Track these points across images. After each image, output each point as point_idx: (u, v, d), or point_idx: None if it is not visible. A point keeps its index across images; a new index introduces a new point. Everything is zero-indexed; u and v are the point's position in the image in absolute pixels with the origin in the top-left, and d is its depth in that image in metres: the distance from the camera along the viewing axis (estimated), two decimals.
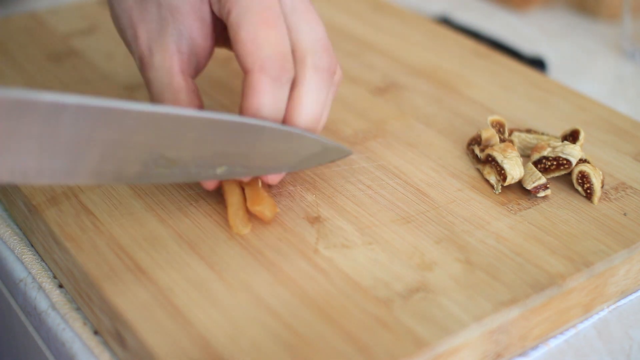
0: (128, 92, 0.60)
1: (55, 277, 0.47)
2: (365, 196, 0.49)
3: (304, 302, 0.41)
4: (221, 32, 0.48)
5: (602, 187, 0.49)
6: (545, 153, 0.50)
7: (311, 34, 0.45)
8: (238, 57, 0.43)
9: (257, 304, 0.41)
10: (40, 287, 0.47)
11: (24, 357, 0.53)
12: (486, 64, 0.64)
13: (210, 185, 0.46)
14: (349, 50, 0.66)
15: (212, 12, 0.46)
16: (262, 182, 0.47)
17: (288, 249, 0.44)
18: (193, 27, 0.45)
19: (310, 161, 0.46)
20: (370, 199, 0.48)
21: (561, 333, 0.45)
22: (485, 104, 0.59)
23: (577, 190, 0.49)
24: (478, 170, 0.51)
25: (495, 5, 0.85)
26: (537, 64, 0.70)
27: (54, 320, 0.45)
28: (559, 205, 0.48)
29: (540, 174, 0.48)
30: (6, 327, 0.55)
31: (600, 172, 0.49)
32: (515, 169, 0.48)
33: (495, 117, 0.53)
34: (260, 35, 0.43)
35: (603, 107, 0.59)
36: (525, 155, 0.52)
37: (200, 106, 0.45)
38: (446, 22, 0.77)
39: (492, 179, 0.49)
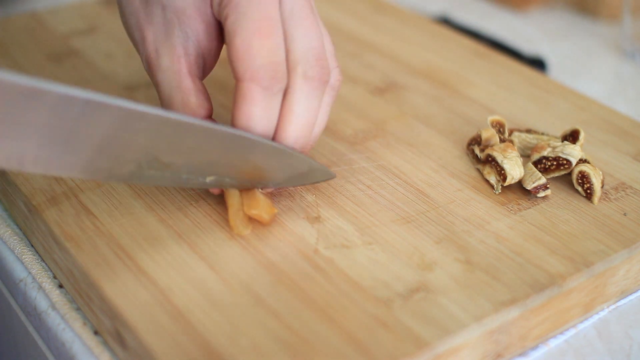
0: (128, 92, 0.60)
1: (55, 277, 0.47)
2: (365, 196, 0.49)
3: (304, 302, 0.41)
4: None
5: (602, 187, 0.49)
6: (545, 153, 0.50)
7: (304, 41, 0.45)
8: (231, 63, 0.43)
9: (257, 304, 0.41)
10: (40, 287, 0.47)
11: (24, 357, 0.53)
12: (486, 64, 0.64)
13: (215, 190, 0.46)
14: (349, 50, 0.66)
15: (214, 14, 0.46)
16: None
17: (288, 249, 0.44)
18: (199, 29, 0.46)
19: (297, 180, 0.47)
20: (370, 199, 0.48)
21: (561, 333, 0.45)
22: (485, 104, 0.59)
23: (577, 190, 0.49)
24: (478, 170, 0.51)
25: (495, 5, 0.85)
26: (537, 64, 0.70)
27: (54, 320, 0.45)
28: (559, 205, 0.48)
29: (540, 174, 0.48)
30: (6, 327, 0.55)
31: (600, 172, 0.49)
32: (515, 169, 0.48)
33: (495, 117, 0.53)
34: (254, 44, 0.43)
35: (603, 107, 0.59)
36: (525, 155, 0.52)
37: (210, 108, 0.45)
38: (446, 22, 0.77)
39: (492, 179, 0.49)
